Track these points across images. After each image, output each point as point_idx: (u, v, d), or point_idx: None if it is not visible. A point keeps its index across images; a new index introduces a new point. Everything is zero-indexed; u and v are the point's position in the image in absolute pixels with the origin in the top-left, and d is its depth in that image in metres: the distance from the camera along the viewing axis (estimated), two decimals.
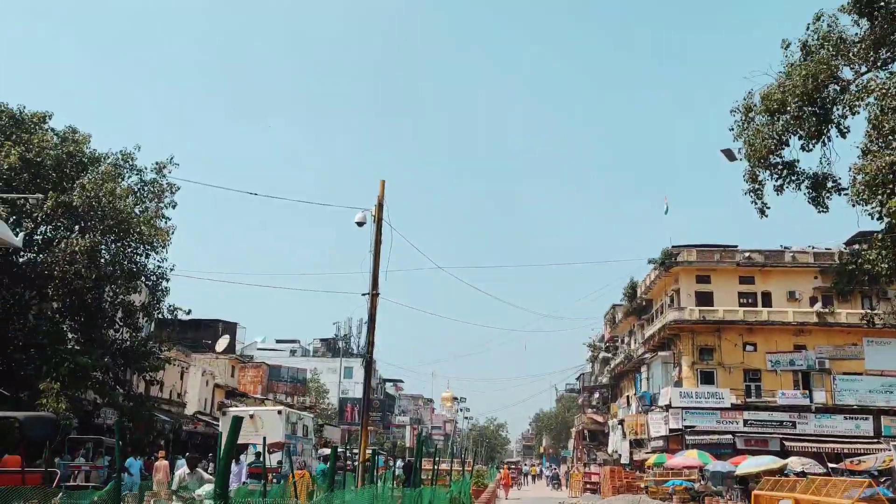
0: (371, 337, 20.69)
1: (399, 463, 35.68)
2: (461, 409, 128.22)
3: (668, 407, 44.52)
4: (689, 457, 36.87)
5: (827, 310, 44.56)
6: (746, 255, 47.04)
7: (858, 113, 18.77)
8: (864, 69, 19.21)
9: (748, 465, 32.65)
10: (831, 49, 19.17)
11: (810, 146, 19.68)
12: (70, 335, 28.03)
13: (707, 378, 45.21)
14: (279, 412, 30.53)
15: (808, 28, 19.67)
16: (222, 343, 57.48)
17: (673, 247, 48.28)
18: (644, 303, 55.32)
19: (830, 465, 34.20)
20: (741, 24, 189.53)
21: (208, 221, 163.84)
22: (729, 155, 21.27)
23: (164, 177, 29.90)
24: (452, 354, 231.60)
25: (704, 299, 46.31)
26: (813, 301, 45.51)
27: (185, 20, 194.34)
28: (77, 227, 27.30)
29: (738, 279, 46.86)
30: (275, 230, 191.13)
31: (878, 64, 18.93)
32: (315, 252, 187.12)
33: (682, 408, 43.54)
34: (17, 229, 24.17)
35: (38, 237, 27.30)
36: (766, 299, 46.27)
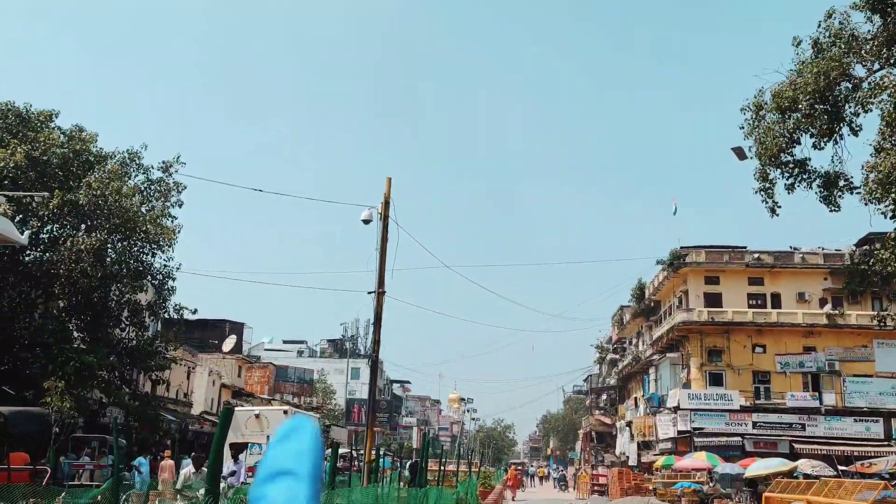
0: (377, 335, 20.52)
1: (406, 464, 35.57)
2: (468, 411, 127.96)
3: (676, 409, 44.23)
4: (698, 459, 36.66)
5: (837, 311, 44.20)
6: (756, 256, 46.72)
7: (871, 111, 18.58)
8: (876, 66, 19.00)
9: (757, 467, 32.45)
10: (843, 46, 18.97)
11: (822, 144, 19.49)
12: (76, 334, 27.96)
13: (716, 380, 44.91)
14: (285, 412, 30.38)
15: (819, 25, 19.48)
16: (229, 343, 57.37)
17: (681, 247, 48.02)
18: (652, 304, 55.04)
19: (841, 467, 33.92)
20: (742, 23, 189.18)
21: (213, 220, 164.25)
22: (739, 153, 21.07)
23: (171, 175, 29.85)
24: (460, 355, 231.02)
25: (713, 300, 46.01)
26: (823, 302, 45.17)
27: (185, 20, 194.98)
28: (83, 226, 27.24)
29: (748, 280, 46.54)
30: (279, 228, 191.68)
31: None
32: (320, 251, 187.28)
33: (691, 410, 43.25)
34: (24, 228, 24.11)
35: (44, 236, 27.26)
36: (776, 300, 45.95)
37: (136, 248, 28.78)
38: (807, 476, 28.41)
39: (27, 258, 27.18)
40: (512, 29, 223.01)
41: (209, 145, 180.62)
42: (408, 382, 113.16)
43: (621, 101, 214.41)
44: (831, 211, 19.84)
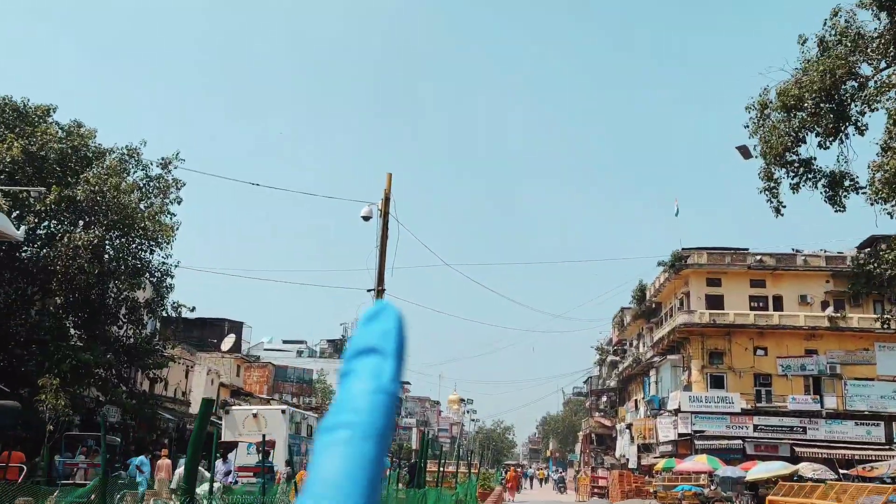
0: None
1: (405, 465, 35.35)
2: (468, 411, 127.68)
3: (677, 411, 44.01)
4: (699, 462, 36.47)
5: (839, 314, 43.97)
6: (758, 258, 46.49)
7: (877, 109, 18.37)
8: (883, 65, 18.77)
9: (758, 470, 32.28)
10: (849, 44, 18.75)
11: (828, 143, 19.27)
12: (73, 331, 27.70)
13: (717, 382, 44.70)
14: (283, 411, 30.19)
15: (825, 23, 19.26)
16: (228, 342, 57.13)
17: (683, 249, 47.78)
18: (653, 305, 54.81)
19: (842, 471, 33.69)
20: (742, 23, 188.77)
21: (210, 217, 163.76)
22: (744, 152, 20.84)
23: (170, 172, 29.61)
24: (461, 354, 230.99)
25: (714, 302, 45.80)
26: (825, 305, 44.94)
27: (185, 20, 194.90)
28: (81, 222, 26.95)
29: (749, 282, 46.32)
30: (278, 224, 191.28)
31: None
32: (320, 249, 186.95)
33: (692, 412, 43.05)
34: (20, 223, 23.88)
35: (41, 232, 27.00)
36: (778, 303, 45.74)
37: (134, 245, 28.51)
38: (801, 479, 28.23)
39: (24, 254, 26.93)
40: (512, 29, 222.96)
41: (209, 145, 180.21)
42: (407, 383, 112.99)
43: (621, 101, 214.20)
44: (836, 211, 19.60)
